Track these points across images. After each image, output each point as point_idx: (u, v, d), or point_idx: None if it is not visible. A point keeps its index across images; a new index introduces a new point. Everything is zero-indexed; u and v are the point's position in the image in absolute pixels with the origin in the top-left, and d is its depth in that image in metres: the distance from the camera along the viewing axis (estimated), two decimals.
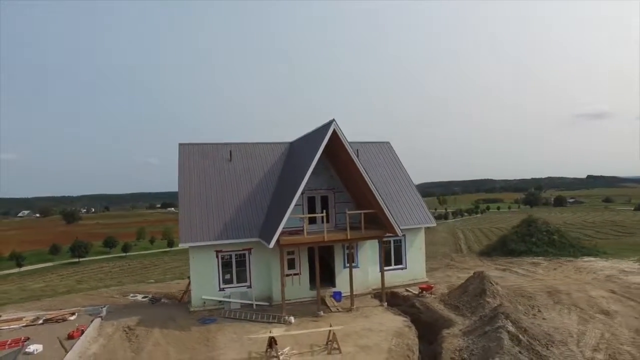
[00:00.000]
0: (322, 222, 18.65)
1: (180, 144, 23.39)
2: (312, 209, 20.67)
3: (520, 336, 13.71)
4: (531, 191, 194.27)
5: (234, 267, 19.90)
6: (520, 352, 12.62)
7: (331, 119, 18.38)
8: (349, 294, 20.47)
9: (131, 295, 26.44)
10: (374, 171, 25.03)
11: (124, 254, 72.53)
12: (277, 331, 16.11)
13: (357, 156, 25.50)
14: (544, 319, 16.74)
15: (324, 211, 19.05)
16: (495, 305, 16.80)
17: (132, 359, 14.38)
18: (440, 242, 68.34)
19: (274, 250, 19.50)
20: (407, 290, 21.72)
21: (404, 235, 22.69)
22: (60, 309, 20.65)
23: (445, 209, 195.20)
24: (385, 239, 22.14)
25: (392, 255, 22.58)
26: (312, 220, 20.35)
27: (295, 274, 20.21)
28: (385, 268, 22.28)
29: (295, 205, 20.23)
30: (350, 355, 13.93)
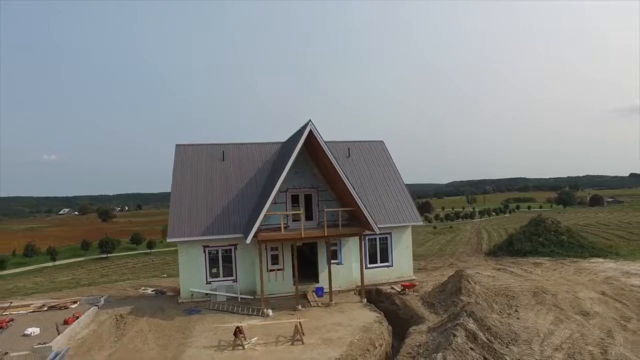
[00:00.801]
0: (299, 219, 19.29)
1: (177, 145, 24.69)
2: (295, 207, 21.32)
3: (480, 334, 13.79)
4: (565, 190, 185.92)
5: (220, 262, 20.90)
6: (472, 348, 12.73)
7: (308, 120, 18.96)
8: (332, 289, 21.03)
9: (142, 288, 28.10)
10: (365, 170, 25.41)
11: (149, 251, 75.97)
12: (252, 322, 16.96)
13: (349, 155, 26.19)
14: (518, 318, 16.61)
15: (301, 208, 19.64)
16: (475, 303, 16.84)
17: (113, 343, 15.60)
18: (463, 241, 67.27)
19: (256, 246, 20.34)
20: (392, 288, 21.96)
21: (390, 233, 22.99)
22: (68, 298, 22.40)
23: (473, 208, 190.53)
24: (370, 237, 22.59)
25: (378, 253, 22.88)
26: (296, 218, 21.04)
27: (278, 270, 20.95)
28: (371, 265, 22.73)
29: (279, 203, 21.12)
30: (311, 347, 14.50)
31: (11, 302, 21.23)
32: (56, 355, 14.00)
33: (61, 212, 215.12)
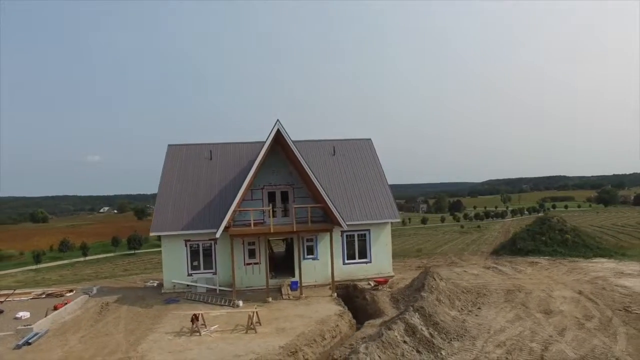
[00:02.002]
0: (269, 215, 20.07)
1: (169, 145, 26.16)
2: (272, 204, 22.13)
3: (422, 328, 13.99)
4: (606, 188, 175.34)
5: (201, 255, 22.06)
6: (405, 342, 12.99)
7: (276, 119, 19.71)
8: (308, 283, 21.71)
9: (150, 281, 29.95)
10: (348, 167, 25.83)
11: None
12: (219, 312, 17.96)
13: (334, 153, 26.69)
14: (476, 315, 16.57)
15: (270, 205, 20.40)
16: (428, 299, 16.97)
17: (90, 327, 17.04)
18: (489, 240, 65.45)
19: (235, 241, 21.31)
20: (369, 284, 22.27)
21: (368, 229, 23.30)
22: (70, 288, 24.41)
23: (507, 207, 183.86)
24: (348, 233, 23.03)
25: (356, 249, 23.23)
26: (275, 214, 21.90)
27: (255, 263, 21.84)
28: (350, 261, 23.17)
29: (255, 199, 22.03)
30: (262, 335, 15.22)
31: (14, 290, 23.45)
32: (34, 335, 15.58)
33: (101, 210, 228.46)
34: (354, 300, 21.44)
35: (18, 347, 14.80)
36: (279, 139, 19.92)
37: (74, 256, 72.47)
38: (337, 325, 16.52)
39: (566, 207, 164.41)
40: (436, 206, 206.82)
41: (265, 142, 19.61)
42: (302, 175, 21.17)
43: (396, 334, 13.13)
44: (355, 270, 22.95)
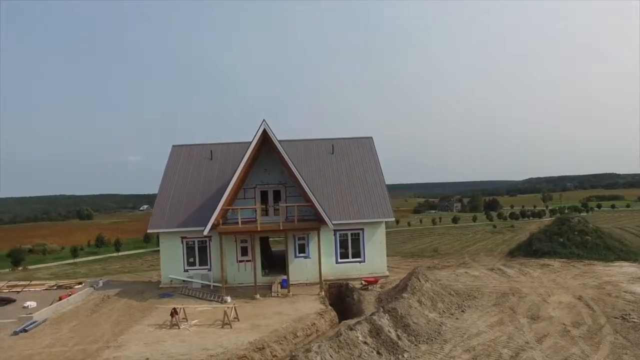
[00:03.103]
0: (268, 214, 20.36)
1: (173, 146, 27.12)
2: (264, 203, 22.44)
3: (388, 330, 13.74)
4: None
5: (196, 252, 22.75)
6: (366, 342, 12.82)
7: (262, 119, 19.95)
8: (299, 281, 21.86)
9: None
10: (346, 166, 25.72)
11: None
12: (205, 307, 18.50)
13: (332, 152, 26.65)
14: (457, 318, 16.01)
15: (258, 203, 20.66)
16: (408, 300, 16.61)
17: (85, 317, 18.09)
18: (520, 241, 62.93)
19: (228, 238, 21.85)
20: (361, 283, 22.06)
21: (362, 229, 23.08)
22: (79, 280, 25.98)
23: (547, 207, 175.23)
24: (341, 232, 22.96)
25: (349, 248, 23.07)
26: (264, 212, 22.22)
27: (247, 261, 22.22)
28: (343, 260, 23.09)
29: (248, 198, 22.44)
30: (236, 331, 15.53)
31: (30, 282, 25.24)
32: (32, 323, 16.77)
33: (141, 208, 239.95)
34: (345, 299, 21.35)
35: (15, 333, 16.00)
36: (268, 139, 20.16)
37: (109, 252, 76.74)
38: (314, 324, 16.53)
39: (613, 206, 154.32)
40: (471, 205, 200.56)
41: (251, 142, 19.92)
42: (290, 174, 21.30)
43: (358, 334, 12.99)
44: (348, 270, 22.81)
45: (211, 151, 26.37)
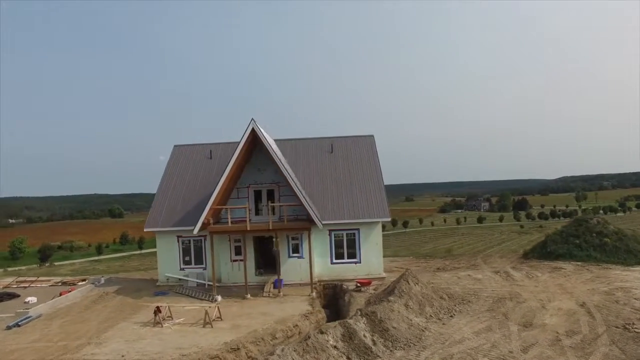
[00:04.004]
0: (261, 214, 20.19)
1: (175, 146, 27.47)
2: (258, 202, 22.32)
3: (363, 334, 13.27)
4: None
5: (192, 251, 22.91)
6: (335, 347, 12.40)
7: (251, 118, 19.78)
8: (292, 282, 21.62)
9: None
10: (344, 165, 25.26)
11: None
12: (195, 306, 18.58)
13: (331, 150, 26.23)
14: (443, 324, 15.30)
15: (247, 203, 20.52)
16: (395, 303, 16.03)
17: (77, 313, 18.55)
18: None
19: (222, 238, 21.88)
20: (357, 285, 21.56)
21: (357, 229, 22.55)
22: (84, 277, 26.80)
23: (579, 206, 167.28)
24: (337, 232, 22.54)
25: (345, 249, 22.59)
26: (257, 212, 22.12)
27: (241, 260, 22.13)
28: (338, 261, 22.67)
29: (242, 198, 22.40)
30: (216, 330, 15.45)
31: (38, 277, 26.23)
32: (26, 318, 17.34)
33: None
34: (339, 300, 20.94)
35: (8, 328, 16.57)
36: (256, 138, 20.00)
37: (133, 249, 79.21)
38: (296, 325, 16.22)
39: None
40: (499, 204, 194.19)
41: (239, 141, 19.83)
42: (281, 173, 21.06)
43: (329, 338, 12.60)
44: (343, 270, 22.35)
45: (210, 151, 26.53)
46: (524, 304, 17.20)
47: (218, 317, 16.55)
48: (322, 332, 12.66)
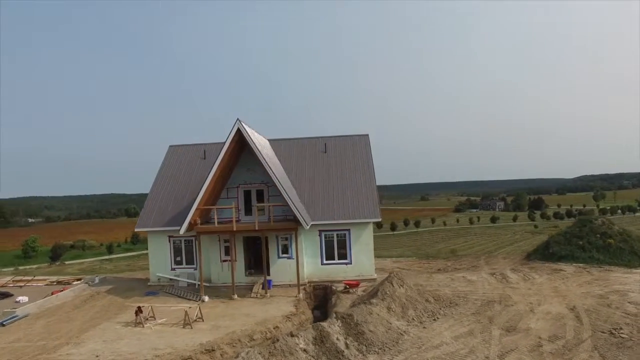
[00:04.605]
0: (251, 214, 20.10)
1: (170, 146, 27.63)
2: (248, 202, 22.25)
3: (338, 337, 13.02)
4: None
5: (183, 251, 23.00)
6: (305, 350, 12.18)
7: (236, 118, 19.71)
8: (282, 283, 21.49)
9: None
10: (337, 165, 25.02)
11: None
12: (180, 306, 18.62)
13: (325, 150, 26.00)
14: (424, 327, 14.93)
15: (233, 203, 20.45)
16: (376, 306, 15.72)
17: (65, 313, 18.77)
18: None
19: (212, 238, 21.90)
20: (345, 286, 21.28)
21: (348, 229, 22.27)
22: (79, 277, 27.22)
23: (597, 206, 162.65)
24: (327, 232, 22.32)
25: (335, 250, 22.32)
26: (248, 212, 22.06)
27: (231, 260, 22.11)
28: (328, 262, 22.44)
29: (231, 198, 22.36)
30: (195, 331, 15.41)
31: (34, 277, 26.75)
32: (12, 318, 17.64)
33: None
34: (327, 301, 20.70)
35: None
36: (243, 138, 19.92)
37: (143, 248, 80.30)
38: (277, 327, 16.05)
39: None
40: (514, 204, 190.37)
41: (225, 142, 19.77)
42: (267, 173, 20.95)
43: (300, 340, 12.39)
44: (334, 271, 22.09)
45: (204, 151, 26.58)
46: (513, 307, 16.67)
47: (199, 318, 16.53)
48: (292, 335, 12.47)
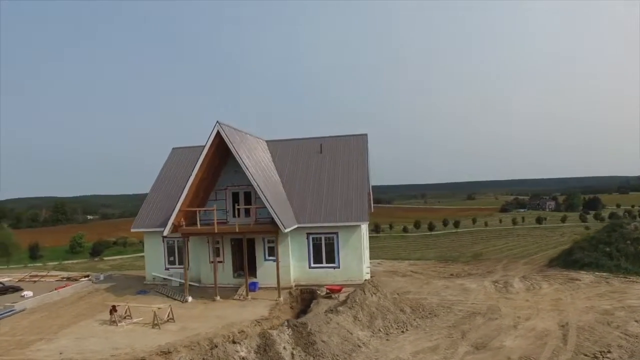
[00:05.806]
0: (232, 215, 20.08)
1: (173, 148, 28.33)
2: (236, 204, 22.23)
3: (284, 346, 12.53)
4: None
5: (176, 251, 23.46)
6: (245, 358, 11.81)
7: (215, 121, 19.70)
8: (269, 285, 21.27)
9: None
10: (330, 166, 24.42)
11: None
12: (161, 306, 18.98)
13: (320, 151, 25.47)
14: (387, 340, 14.08)
15: (214, 205, 20.43)
16: (342, 314, 15.04)
17: (58, 309, 19.75)
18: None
19: (202, 239, 22.15)
20: (327, 292, 20.60)
21: (336, 232, 21.59)
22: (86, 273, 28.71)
23: (618, 206, 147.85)
24: (315, 235, 21.81)
25: (323, 253, 21.71)
26: (238, 214, 22.06)
27: (219, 262, 22.19)
28: (316, 265, 21.90)
29: (219, 200, 22.48)
30: (161, 332, 15.55)
31: (48, 272, 28.50)
32: (8, 312, 18.82)
33: None
34: (310, 305, 20.19)
35: None
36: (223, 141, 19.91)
37: None
38: (243, 331, 15.80)
39: None
40: (567, 203, 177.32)
41: (205, 144, 19.86)
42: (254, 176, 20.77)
43: (241, 348, 12.06)
44: (322, 275, 21.50)
45: None
46: (496, 321, 15.27)
47: (170, 319, 16.69)
48: (234, 342, 12.16)
